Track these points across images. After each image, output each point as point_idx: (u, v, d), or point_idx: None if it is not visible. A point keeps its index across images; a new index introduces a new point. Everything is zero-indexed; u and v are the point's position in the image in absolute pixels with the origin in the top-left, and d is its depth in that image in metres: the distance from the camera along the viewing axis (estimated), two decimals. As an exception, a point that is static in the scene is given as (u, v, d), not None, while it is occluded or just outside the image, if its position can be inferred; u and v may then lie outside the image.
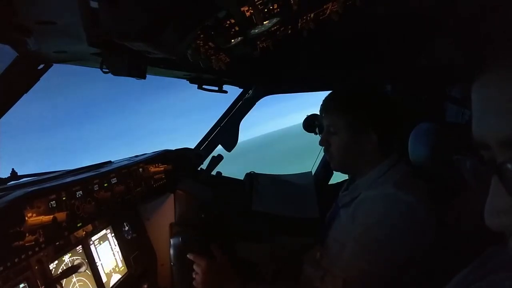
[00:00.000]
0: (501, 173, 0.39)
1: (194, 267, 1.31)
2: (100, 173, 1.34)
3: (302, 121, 2.26)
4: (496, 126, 0.40)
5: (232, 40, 1.09)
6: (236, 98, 2.48)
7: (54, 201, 1.06)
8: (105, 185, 1.34)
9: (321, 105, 1.35)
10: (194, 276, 1.32)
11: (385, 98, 1.30)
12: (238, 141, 2.46)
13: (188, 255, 1.37)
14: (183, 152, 2.11)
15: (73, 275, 1.22)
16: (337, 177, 2.43)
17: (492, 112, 0.41)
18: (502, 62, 0.40)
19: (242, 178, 2.45)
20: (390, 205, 1.13)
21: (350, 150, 1.28)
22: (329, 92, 1.39)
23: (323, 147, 1.35)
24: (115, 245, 1.56)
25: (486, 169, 0.42)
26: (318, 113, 2.22)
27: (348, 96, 1.31)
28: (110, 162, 1.68)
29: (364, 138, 1.25)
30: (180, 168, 1.91)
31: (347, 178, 1.56)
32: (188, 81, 1.99)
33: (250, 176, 2.42)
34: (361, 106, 1.26)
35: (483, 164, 0.43)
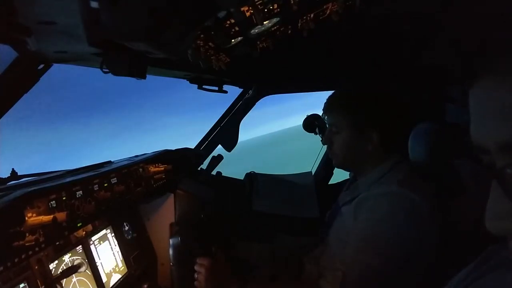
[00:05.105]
0: (501, 178, 0.39)
1: (196, 267, 1.31)
2: (100, 173, 1.35)
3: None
4: (494, 131, 0.40)
5: (232, 40, 1.09)
6: (236, 98, 2.48)
7: (54, 201, 1.06)
8: (105, 185, 1.34)
9: (324, 104, 1.36)
10: (196, 275, 1.32)
11: (388, 97, 1.31)
12: (238, 141, 2.46)
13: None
14: (183, 152, 2.11)
15: (73, 275, 1.22)
16: (337, 177, 2.44)
17: (490, 116, 0.41)
18: (498, 67, 0.40)
19: (242, 178, 2.46)
20: (394, 202, 1.13)
21: (352, 149, 1.29)
22: (329, 91, 1.40)
23: (326, 146, 1.37)
24: (115, 245, 1.56)
25: (486, 173, 0.42)
26: (318, 113, 2.24)
27: (350, 95, 1.33)
28: (110, 162, 1.68)
29: (366, 138, 1.26)
30: (180, 168, 1.91)
31: (348, 178, 1.57)
32: (188, 81, 1.99)
33: (250, 176, 2.42)
34: (363, 106, 1.27)
35: (484, 167, 0.43)
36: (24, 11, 0.73)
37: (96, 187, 1.28)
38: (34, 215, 0.98)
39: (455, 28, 1.42)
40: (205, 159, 2.34)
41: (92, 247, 1.39)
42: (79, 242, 1.32)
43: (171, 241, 1.67)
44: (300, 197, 2.37)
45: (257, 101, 2.45)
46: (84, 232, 1.35)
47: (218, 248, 1.37)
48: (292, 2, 0.95)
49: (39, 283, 1.05)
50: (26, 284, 1.01)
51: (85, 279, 1.30)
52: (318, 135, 2.19)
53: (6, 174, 1.21)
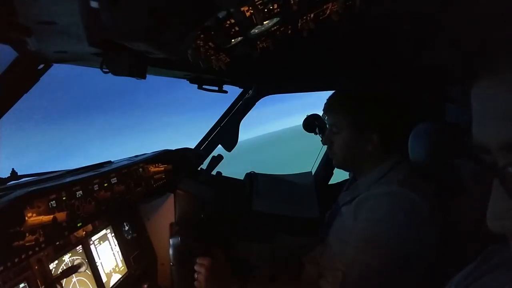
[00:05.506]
0: (502, 177, 0.39)
1: (196, 267, 1.31)
2: (100, 173, 1.35)
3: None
4: (495, 130, 0.40)
5: (232, 40, 1.09)
6: (236, 98, 2.48)
7: (54, 201, 1.06)
8: (105, 185, 1.34)
9: (324, 104, 1.37)
10: (196, 275, 1.32)
11: (388, 97, 1.31)
12: (238, 141, 2.46)
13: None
14: (183, 152, 2.11)
15: (73, 275, 1.22)
16: (337, 177, 2.44)
17: (491, 116, 0.41)
18: (498, 67, 0.40)
19: (242, 178, 2.46)
20: (395, 202, 1.13)
21: (352, 149, 1.30)
22: (329, 91, 1.40)
23: (326, 146, 1.37)
24: (115, 245, 1.56)
25: (487, 172, 0.42)
26: (318, 113, 2.24)
27: (350, 96, 1.33)
28: (110, 162, 1.68)
29: (366, 138, 1.26)
30: (180, 168, 1.91)
31: (348, 178, 1.57)
32: (188, 81, 1.99)
33: (250, 176, 2.42)
34: (363, 106, 1.28)
35: (484, 167, 0.43)
36: (24, 11, 0.73)
37: (96, 187, 1.28)
38: (34, 215, 0.98)
39: (455, 28, 1.42)
40: (205, 159, 2.34)
41: (92, 247, 1.39)
42: (79, 242, 1.32)
43: (171, 241, 1.67)
44: (300, 197, 2.37)
45: (257, 101, 2.46)
46: (84, 232, 1.35)
47: (218, 248, 1.37)
48: (292, 2, 0.95)
49: (39, 283, 1.05)
50: (26, 284, 1.01)
51: (85, 279, 1.30)
52: (318, 135, 2.19)
53: (6, 174, 1.21)
